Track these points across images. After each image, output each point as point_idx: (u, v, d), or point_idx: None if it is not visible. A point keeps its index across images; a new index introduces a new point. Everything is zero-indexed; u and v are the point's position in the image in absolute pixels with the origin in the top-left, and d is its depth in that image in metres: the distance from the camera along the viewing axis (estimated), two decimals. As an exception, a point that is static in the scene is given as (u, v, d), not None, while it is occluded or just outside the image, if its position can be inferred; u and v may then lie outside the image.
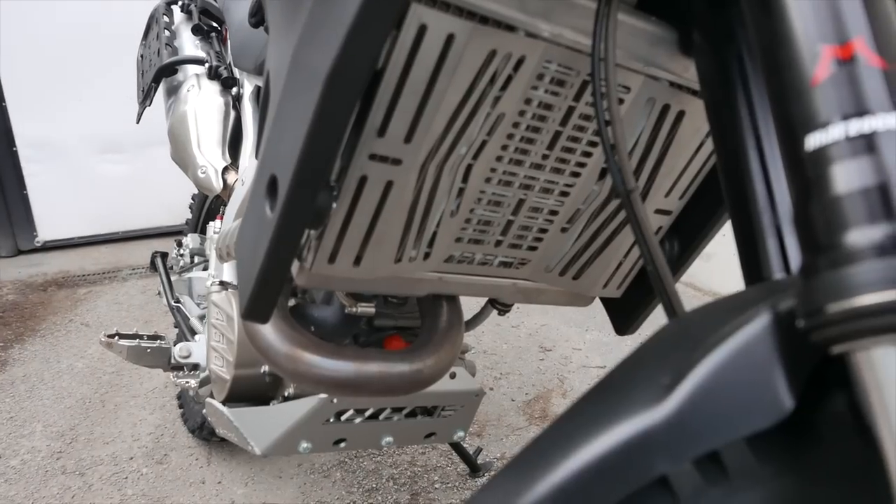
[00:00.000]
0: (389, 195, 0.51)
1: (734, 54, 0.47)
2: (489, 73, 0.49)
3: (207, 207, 1.72)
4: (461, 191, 0.56)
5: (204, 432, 1.47)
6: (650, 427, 0.28)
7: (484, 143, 0.54)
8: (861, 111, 0.28)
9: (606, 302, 0.76)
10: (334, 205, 0.50)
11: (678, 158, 0.61)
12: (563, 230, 0.64)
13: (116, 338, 0.99)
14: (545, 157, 0.57)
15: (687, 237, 0.68)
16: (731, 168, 0.46)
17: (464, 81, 0.48)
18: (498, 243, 0.62)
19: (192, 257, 1.46)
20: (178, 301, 1.27)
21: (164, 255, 1.45)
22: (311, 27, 0.44)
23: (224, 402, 0.78)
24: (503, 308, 0.75)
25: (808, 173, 0.29)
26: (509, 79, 0.50)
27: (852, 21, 0.29)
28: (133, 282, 2.86)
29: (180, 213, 3.41)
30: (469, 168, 0.55)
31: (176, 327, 1.73)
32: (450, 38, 0.45)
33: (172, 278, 1.40)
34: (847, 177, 0.28)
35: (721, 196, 0.67)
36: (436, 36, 0.45)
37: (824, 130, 0.29)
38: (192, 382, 0.90)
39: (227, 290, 0.83)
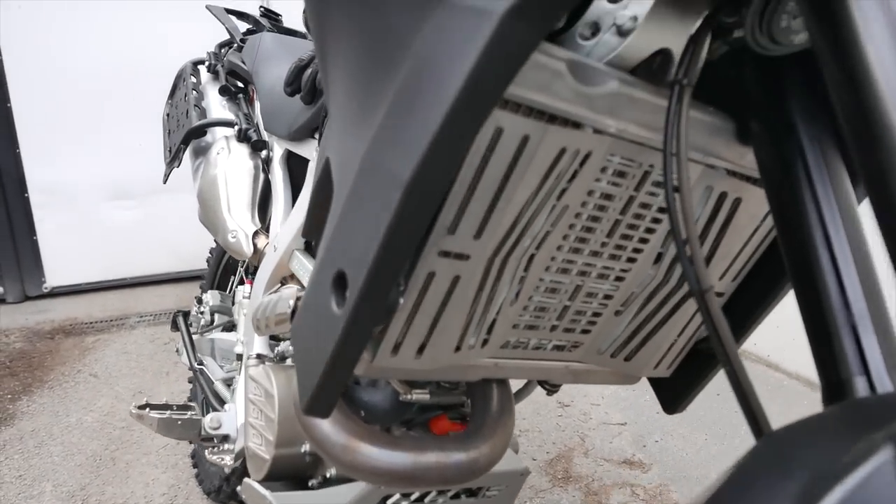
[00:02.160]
0: (456, 289, 0.51)
1: (795, 144, 0.47)
2: (558, 170, 0.49)
3: (225, 263, 1.71)
4: (522, 279, 0.56)
5: (221, 495, 1.43)
6: None
7: (547, 234, 0.53)
8: None
9: (654, 380, 0.75)
10: (401, 300, 0.49)
11: (733, 244, 0.61)
12: (617, 313, 0.63)
13: (147, 409, 0.97)
14: (604, 244, 0.57)
15: (739, 318, 0.67)
16: (798, 262, 0.46)
17: (535, 178, 0.48)
18: (553, 328, 0.61)
19: (212, 315, 1.45)
20: (200, 363, 1.25)
21: (186, 315, 1.44)
22: (389, 128, 0.44)
23: (261, 482, 0.76)
24: (552, 388, 0.74)
25: None
26: (575, 173, 0.50)
27: None
28: (141, 330, 2.84)
29: (188, 260, 3.42)
30: (531, 258, 0.54)
31: (199, 391, 1.70)
32: (525, 139, 0.45)
33: (193, 337, 1.38)
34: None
35: (772, 277, 0.67)
36: (511, 137, 0.45)
37: None
38: (228, 460, 0.88)
39: (264, 363, 0.82)
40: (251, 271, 1.28)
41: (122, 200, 3.23)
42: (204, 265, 3.48)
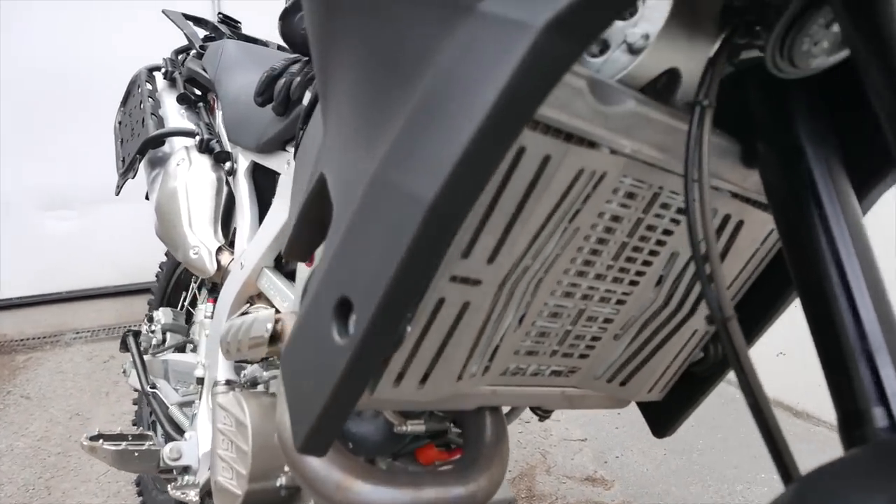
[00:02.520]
0: (465, 315, 0.48)
1: (804, 166, 0.47)
2: (575, 191, 0.47)
3: (176, 279, 1.63)
4: (528, 304, 0.53)
5: (171, 525, 1.35)
6: None
7: (556, 257, 0.51)
8: None
9: (643, 404, 0.74)
10: (409, 329, 0.46)
11: (733, 267, 0.61)
12: (616, 337, 0.62)
13: (101, 441, 0.89)
14: (609, 267, 0.56)
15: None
16: (809, 287, 0.45)
17: (552, 200, 0.46)
18: (553, 353, 0.59)
19: (164, 334, 1.37)
20: (153, 386, 1.18)
21: (137, 334, 1.35)
22: (406, 145, 0.41)
23: (232, 519, 0.71)
24: (544, 414, 0.72)
25: None
26: (588, 194, 0.49)
27: None
28: (78, 347, 2.69)
29: (130, 273, 3.27)
30: (539, 282, 0.52)
31: (145, 415, 1.60)
32: (546, 159, 0.43)
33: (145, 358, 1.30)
34: None
35: (767, 302, 0.67)
36: (533, 157, 0.43)
37: None
38: (192, 495, 0.82)
39: (233, 390, 0.76)
40: (210, 289, 1.21)
41: (61, 210, 3.06)
42: (146, 278, 3.33)
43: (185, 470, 0.87)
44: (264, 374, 0.76)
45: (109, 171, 3.04)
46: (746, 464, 1.77)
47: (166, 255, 1.66)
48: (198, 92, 1.33)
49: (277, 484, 0.69)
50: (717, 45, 0.47)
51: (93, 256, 3.17)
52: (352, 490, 0.50)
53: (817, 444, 1.89)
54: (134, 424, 1.69)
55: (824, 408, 1.99)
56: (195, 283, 1.62)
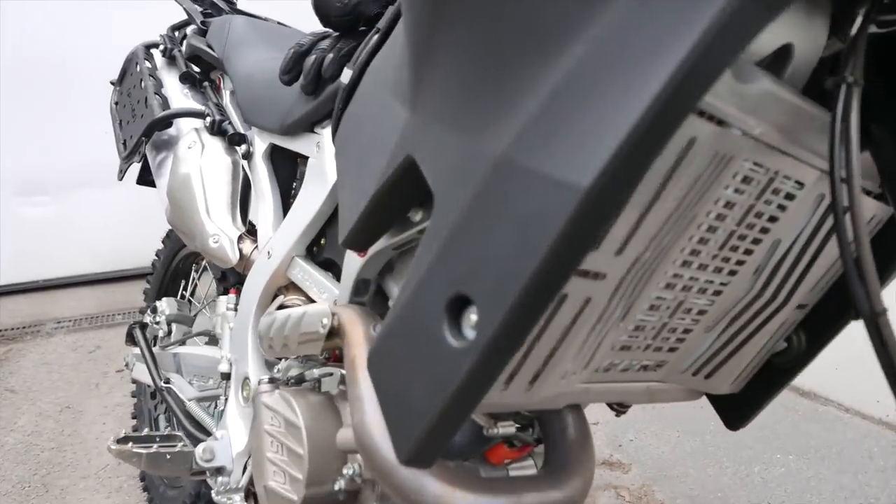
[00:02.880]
0: (584, 312, 0.44)
1: None
2: (706, 175, 0.43)
3: (175, 267, 1.56)
4: (635, 297, 0.50)
5: (185, 523, 1.29)
6: None
7: (670, 248, 0.48)
8: None
9: (714, 396, 0.71)
10: (530, 328, 0.42)
11: (832, 254, 0.58)
12: (707, 329, 0.59)
13: (130, 444, 0.83)
14: (714, 256, 0.52)
15: (815, 331, 0.64)
16: None
17: (686, 184, 0.42)
18: (647, 347, 0.56)
19: (169, 325, 1.30)
20: (167, 381, 1.12)
21: (144, 326, 1.28)
22: (546, 127, 0.36)
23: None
24: (621, 409, 0.69)
25: None
26: (712, 179, 0.45)
27: None
28: (60, 337, 2.59)
29: (107, 260, 3.16)
30: (651, 274, 0.48)
31: (144, 407, 1.53)
32: (691, 142, 0.39)
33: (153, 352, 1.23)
34: None
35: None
36: (680, 138, 0.39)
37: None
38: (238, 501, 0.76)
39: (278, 388, 0.71)
40: (221, 278, 1.15)
41: (35, 196, 2.94)
42: (125, 265, 3.22)
43: (219, 471, 0.83)
44: (315, 371, 0.71)
45: (85, 154, 2.92)
46: (760, 445, 1.78)
47: (163, 242, 1.58)
48: (195, 69, 1.25)
49: (336, 488, 0.65)
50: (860, 16, 0.44)
51: (69, 243, 3.06)
52: (453, 502, 0.46)
53: (826, 423, 1.91)
54: (133, 418, 1.63)
55: (832, 388, 2.00)
56: (196, 272, 1.55)
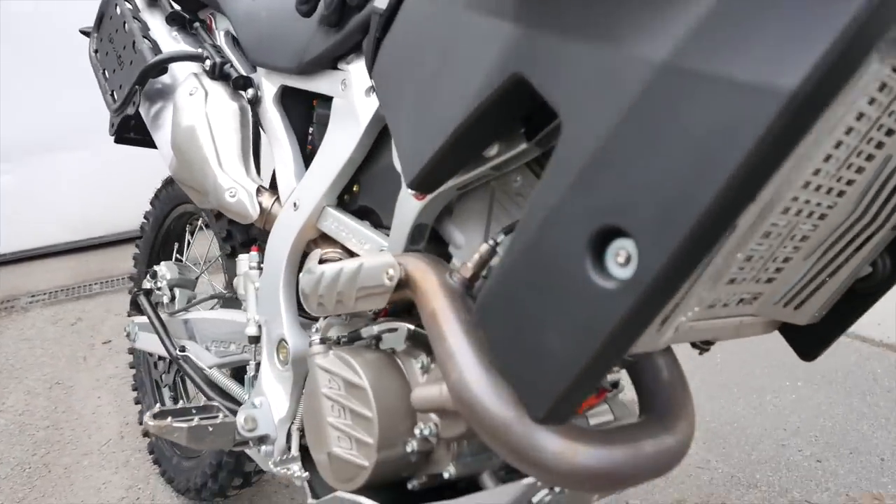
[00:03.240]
0: (728, 242, 0.40)
1: None
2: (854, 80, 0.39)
3: (167, 229, 1.47)
4: (759, 225, 0.46)
5: (205, 493, 1.25)
6: None
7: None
8: None
9: (786, 327, 0.69)
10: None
11: None
12: (806, 257, 0.55)
13: (169, 418, 0.77)
14: (831, 176, 0.48)
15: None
16: None
17: (854, 116, 0.38)
18: (751, 279, 0.52)
19: (171, 290, 1.23)
20: (182, 350, 1.05)
21: (149, 293, 1.21)
22: (725, 27, 0.31)
23: (357, 492, 0.62)
24: (704, 347, 0.66)
25: None
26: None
27: None
28: (37, 311, 2.48)
29: (78, 228, 3.02)
30: (779, 199, 0.44)
31: (144, 377, 1.46)
32: (882, 86, 0.35)
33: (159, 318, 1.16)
34: None
35: None
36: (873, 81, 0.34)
37: None
38: (297, 470, 0.71)
39: (331, 349, 0.66)
40: (226, 237, 1.08)
41: (-6, 163, 2.77)
42: (97, 233, 3.08)
43: (262, 440, 0.78)
44: (374, 328, 0.66)
45: (47, 117, 2.74)
46: (768, 373, 1.80)
47: (151, 203, 1.49)
48: (179, 9, 1.14)
49: (409, 449, 0.61)
50: None
51: (36, 212, 2.91)
52: (576, 457, 0.42)
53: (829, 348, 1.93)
54: (134, 390, 1.56)
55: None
56: (191, 233, 1.47)
